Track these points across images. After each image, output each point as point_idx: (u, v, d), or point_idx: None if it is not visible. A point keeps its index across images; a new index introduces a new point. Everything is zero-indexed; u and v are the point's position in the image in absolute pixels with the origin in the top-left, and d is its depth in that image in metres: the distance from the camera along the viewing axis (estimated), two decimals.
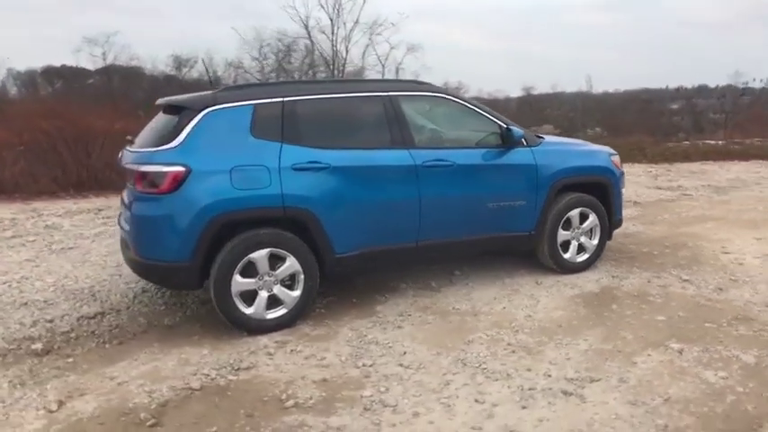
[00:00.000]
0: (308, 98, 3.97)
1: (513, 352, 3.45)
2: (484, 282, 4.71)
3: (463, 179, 4.27)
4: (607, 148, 5.21)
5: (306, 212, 3.78)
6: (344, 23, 22.58)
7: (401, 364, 3.33)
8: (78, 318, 4.18)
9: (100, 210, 8.37)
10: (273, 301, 3.81)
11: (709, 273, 4.81)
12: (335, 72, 16.37)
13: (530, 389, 3.02)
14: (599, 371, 3.20)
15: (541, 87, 55.11)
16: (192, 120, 3.64)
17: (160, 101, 4.23)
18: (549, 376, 3.16)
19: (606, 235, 4.97)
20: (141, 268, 3.77)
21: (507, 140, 4.41)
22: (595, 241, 4.92)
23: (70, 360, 3.52)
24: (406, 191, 4.08)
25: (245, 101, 3.79)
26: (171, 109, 3.96)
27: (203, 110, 3.67)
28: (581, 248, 4.87)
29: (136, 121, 8.85)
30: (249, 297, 3.75)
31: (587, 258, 4.90)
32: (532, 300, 4.30)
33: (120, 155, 4.27)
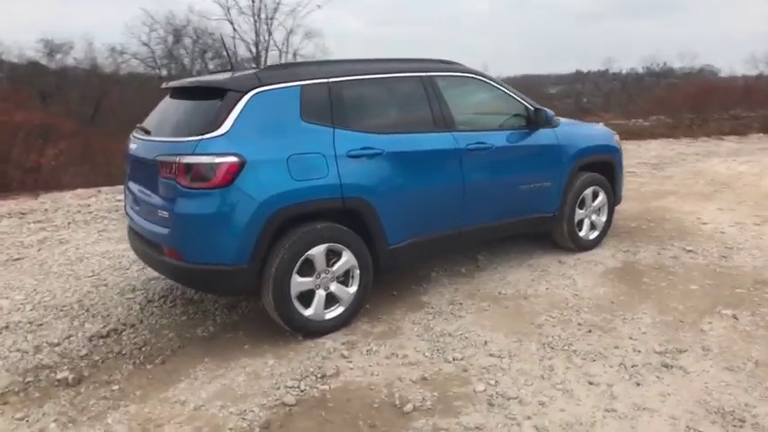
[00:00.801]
0: (353, 79, 3.68)
1: (590, 331, 3.47)
2: (510, 264, 4.70)
3: (500, 162, 4.21)
4: (606, 128, 5.39)
5: (363, 202, 3.53)
6: (265, 5, 21.66)
7: (491, 354, 3.22)
8: (90, 337, 3.62)
9: (24, 213, 7.35)
10: (329, 300, 3.53)
11: (704, 242, 5.16)
12: (259, 57, 15.58)
13: (632, 366, 3.05)
14: (679, 341, 3.31)
15: None
16: (237, 103, 3.23)
17: (175, 83, 3.74)
18: (639, 351, 3.21)
19: (612, 212, 5.16)
20: (185, 274, 3.31)
21: (537, 121, 4.41)
22: (604, 218, 5.09)
23: (115, 387, 3.03)
24: (452, 176, 3.95)
25: (291, 82, 3.44)
26: (199, 92, 3.50)
27: (249, 92, 3.28)
28: (592, 226, 5.02)
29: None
30: (305, 298, 3.44)
31: (598, 235, 5.06)
32: (568, 279, 4.36)
33: (130, 144, 3.72)
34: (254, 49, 15.15)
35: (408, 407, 2.73)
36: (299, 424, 2.65)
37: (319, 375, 3.05)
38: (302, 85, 3.46)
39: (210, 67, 28.12)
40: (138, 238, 3.71)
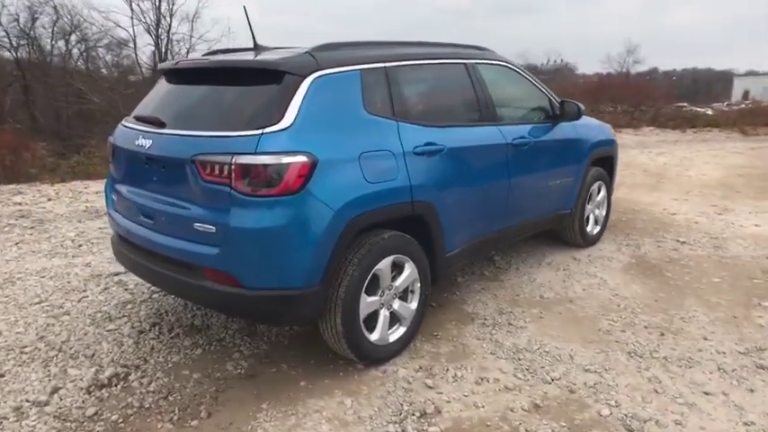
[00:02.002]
0: (408, 64, 3.19)
1: (662, 335, 3.33)
2: (529, 264, 4.49)
3: (536, 157, 3.95)
4: (600, 121, 5.36)
5: (429, 206, 3.08)
6: None
7: (587, 370, 2.95)
8: (86, 388, 2.82)
9: None
10: (391, 320, 3.05)
11: (690, 234, 5.33)
12: (159, 42, 13.99)
13: (731, 370, 2.94)
14: (751, 339, 3.27)
15: None
16: (297, 89, 2.62)
17: (193, 62, 3.00)
18: (724, 353, 3.12)
19: (610, 206, 5.15)
20: (239, 303, 2.62)
21: (563, 115, 4.20)
22: (604, 212, 5.07)
23: None
24: (501, 173, 3.62)
25: (349, 65, 2.88)
26: (240, 75, 2.81)
27: (309, 76, 2.68)
28: (595, 221, 4.96)
29: None
30: (367, 320, 2.93)
31: (600, 230, 5.02)
32: (595, 278, 4.23)
33: (125, 139, 2.92)
34: (153, 33, 13.60)
35: None
36: None
37: (418, 414, 2.58)
38: (361, 70, 2.91)
39: (75, 51, 25.08)
40: (140, 254, 2.94)
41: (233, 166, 2.45)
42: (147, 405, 2.69)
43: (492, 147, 3.53)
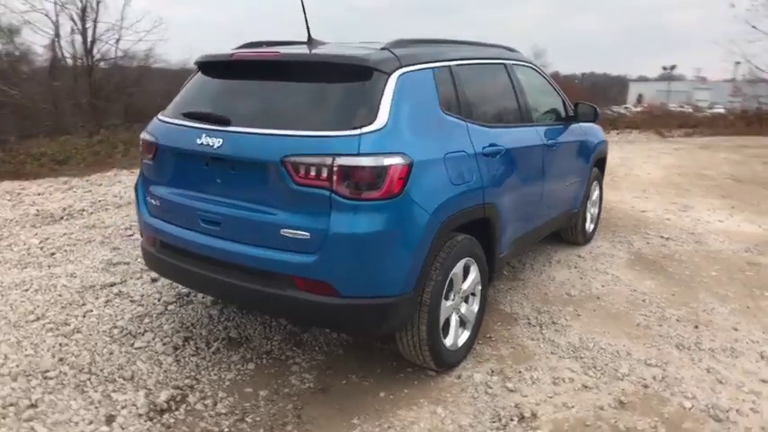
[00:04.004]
0: (466, 63, 3.14)
1: (696, 327, 3.51)
2: (541, 262, 4.59)
3: (561, 158, 4.04)
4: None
5: (494, 208, 3.06)
6: None
7: (649, 364, 3.04)
8: (146, 414, 2.54)
9: None
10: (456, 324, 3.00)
11: (669, 230, 5.67)
12: (85, 30, 12.72)
13: None
14: None
15: None
16: (385, 87, 2.50)
17: (262, 54, 2.77)
18: (758, 342, 3.33)
19: (601, 204, 5.38)
20: (335, 314, 2.44)
21: (577, 116, 4.32)
22: (597, 210, 5.28)
23: None
24: (539, 173, 3.67)
25: (424, 63, 2.78)
26: (317, 70, 2.63)
27: (393, 73, 2.56)
28: (590, 219, 5.16)
29: None
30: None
31: (594, 228, 5.23)
32: (607, 274, 4.39)
33: (191, 137, 2.63)
34: (78, 21, 12.37)
35: None
36: None
37: (517, 419, 2.55)
38: (433, 68, 2.83)
39: None
40: (198, 264, 2.68)
41: (334, 168, 2.29)
42: (227, 429, 2.46)
43: (534, 147, 3.57)
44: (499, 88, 3.52)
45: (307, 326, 3.30)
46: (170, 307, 3.67)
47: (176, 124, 2.75)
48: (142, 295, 3.84)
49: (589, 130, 4.68)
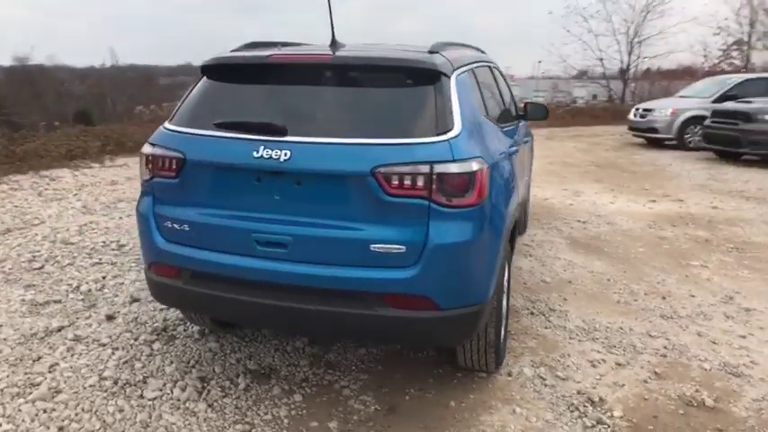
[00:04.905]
0: (478, 65, 3.16)
1: (664, 298, 3.95)
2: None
3: (525, 154, 4.26)
4: None
5: (521, 208, 3.14)
6: None
7: (652, 336, 3.37)
8: None
9: None
10: None
11: (578, 215, 6.28)
12: None
13: (735, 316, 3.67)
14: (716, 290, 4.09)
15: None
16: (450, 91, 2.42)
17: (308, 57, 2.50)
18: (715, 305, 3.85)
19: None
20: (430, 328, 2.31)
21: (529, 115, 4.56)
22: (530, 200, 5.68)
23: None
24: (521, 170, 3.80)
25: (465, 65, 2.76)
26: (371, 72, 2.45)
27: (451, 76, 2.50)
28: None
29: None
30: None
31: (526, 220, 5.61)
32: (560, 259, 4.74)
33: (243, 150, 2.28)
34: None
35: (709, 402, 2.70)
36: None
37: (591, 405, 2.66)
38: (468, 71, 2.82)
39: None
40: (259, 293, 2.37)
41: (433, 176, 2.18)
42: None
43: (519, 145, 3.72)
44: (494, 90, 3.61)
45: (391, 344, 3.11)
46: (155, 346, 3.18)
47: (216, 136, 2.38)
48: (110, 337, 3.27)
49: (526, 128, 4.99)
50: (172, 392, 2.71)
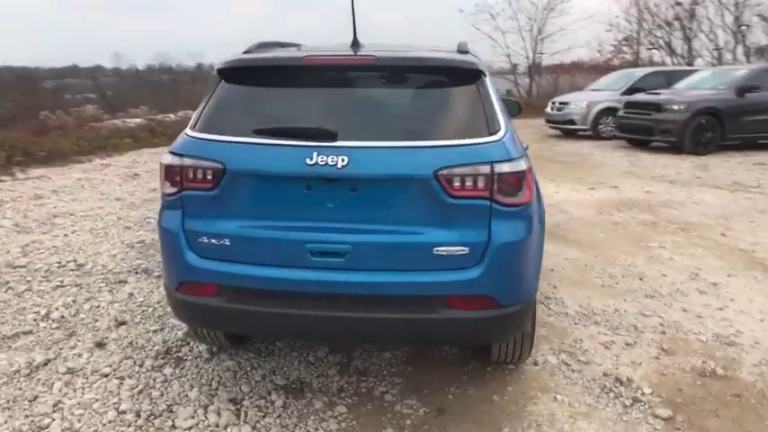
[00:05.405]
0: None
1: (641, 279, 4.24)
2: None
3: None
4: None
5: None
6: None
7: (646, 315, 3.61)
8: None
9: None
10: None
11: (562, 206, 6.57)
12: None
13: (707, 291, 4.00)
14: (680, 269, 4.45)
15: None
16: (488, 90, 2.47)
17: (351, 58, 2.44)
18: (684, 281, 4.19)
19: None
20: (493, 326, 2.35)
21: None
22: None
23: None
24: None
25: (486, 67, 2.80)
26: (405, 72, 2.43)
27: (487, 76, 2.54)
28: None
29: None
30: None
31: None
32: None
33: (296, 158, 2.17)
34: None
35: (720, 371, 2.93)
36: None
37: (619, 384, 2.82)
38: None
39: None
40: (314, 305, 2.29)
41: (494, 176, 2.20)
42: None
43: None
44: None
45: (448, 345, 3.09)
46: (166, 371, 2.98)
47: (261, 144, 2.25)
48: (110, 366, 3.02)
49: None
50: (207, 418, 2.55)
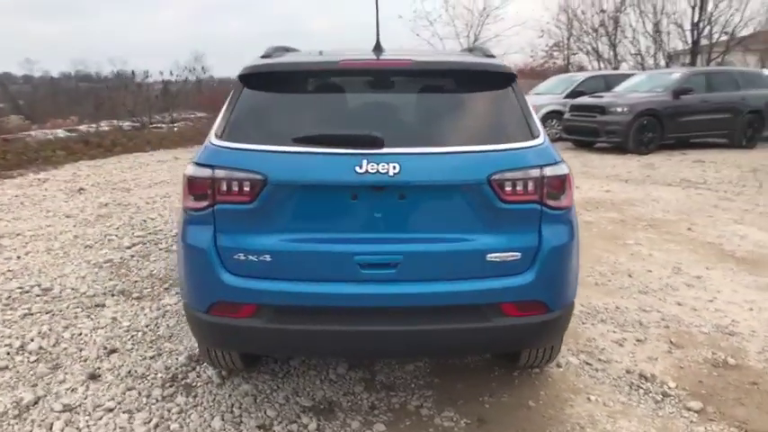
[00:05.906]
0: None
1: (630, 276, 4.36)
2: None
3: None
4: None
5: None
6: None
7: (645, 310, 3.70)
8: None
9: None
10: None
11: None
12: None
13: (693, 284, 4.18)
14: (661, 263, 4.63)
15: None
16: (521, 94, 2.45)
17: (401, 60, 2.33)
18: (670, 276, 4.36)
19: None
20: (543, 330, 2.33)
21: None
22: None
23: None
24: None
25: None
26: (443, 76, 2.36)
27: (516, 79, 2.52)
28: None
29: None
30: None
31: None
32: None
33: (343, 167, 2.05)
34: None
35: (731, 360, 3.04)
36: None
37: (646, 381, 2.86)
38: None
39: None
40: (363, 320, 2.17)
41: (544, 180, 2.18)
42: None
43: None
44: None
45: (498, 352, 2.97)
46: (178, 400, 2.76)
47: (307, 153, 2.11)
48: (113, 399, 2.77)
49: None
50: None
